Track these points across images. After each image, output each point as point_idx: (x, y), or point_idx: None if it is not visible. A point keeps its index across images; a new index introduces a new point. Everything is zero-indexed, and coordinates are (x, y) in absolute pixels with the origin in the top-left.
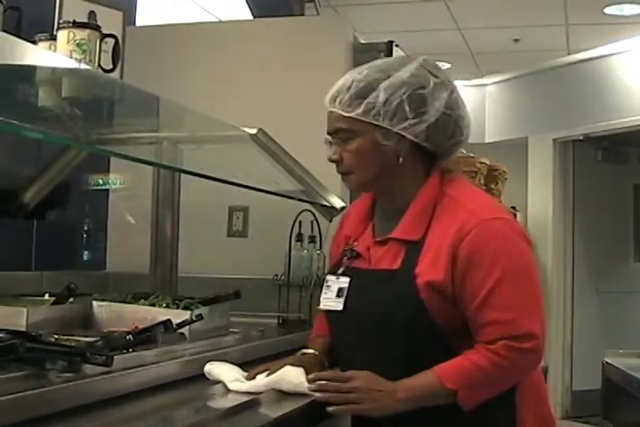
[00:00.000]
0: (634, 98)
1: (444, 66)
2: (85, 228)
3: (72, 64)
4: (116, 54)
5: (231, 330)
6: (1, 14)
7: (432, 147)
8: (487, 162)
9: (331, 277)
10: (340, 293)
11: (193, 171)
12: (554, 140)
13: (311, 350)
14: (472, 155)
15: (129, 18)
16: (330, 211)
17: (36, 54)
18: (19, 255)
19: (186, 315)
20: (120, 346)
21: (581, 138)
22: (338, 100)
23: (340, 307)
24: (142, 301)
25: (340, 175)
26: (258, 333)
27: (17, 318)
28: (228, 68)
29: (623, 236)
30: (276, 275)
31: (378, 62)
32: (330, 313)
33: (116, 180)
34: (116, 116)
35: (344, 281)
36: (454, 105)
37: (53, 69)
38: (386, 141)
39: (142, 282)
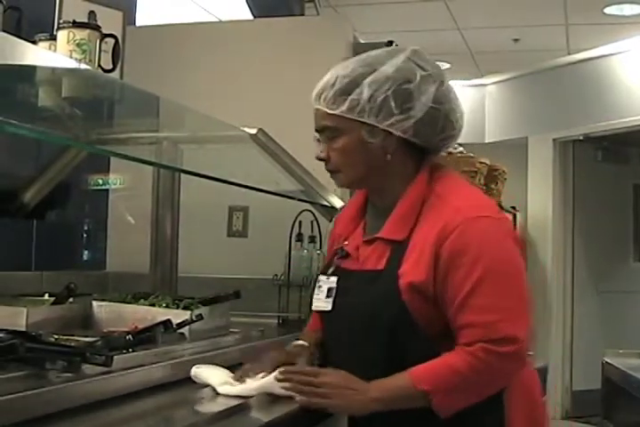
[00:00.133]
0: (634, 98)
1: (444, 66)
2: (85, 228)
3: (72, 64)
4: (115, 54)
5: (231, 330)
6: (1, 14)
7: (422, 142)
8: (487, 162)
9: (322, 277)
10: (329, 293)
11: (193, 171)
12: (554, 140)
13: (303, 342)
14: (472, 155)
15: (129, 18)
16: (330, 211)
17: (36, 54)
18: (19, 255)
19: (186, 315)
20: (120, 346)
21: (581, 138)
22: (322, 97)
23: (328, 307)
24: (142, 301)
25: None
26: (258, 333)
27: (17, 318)
28: (228, 68)
29: (623, 236)
30: (276, 275)
31: (364, 56)
32: (321, 313)
33: (115, 180)
34: (115, 116)
35: (333, 281)
36: (443, 98)
37: (53, 69)
38: (372, 139)
39: (142, 282)
